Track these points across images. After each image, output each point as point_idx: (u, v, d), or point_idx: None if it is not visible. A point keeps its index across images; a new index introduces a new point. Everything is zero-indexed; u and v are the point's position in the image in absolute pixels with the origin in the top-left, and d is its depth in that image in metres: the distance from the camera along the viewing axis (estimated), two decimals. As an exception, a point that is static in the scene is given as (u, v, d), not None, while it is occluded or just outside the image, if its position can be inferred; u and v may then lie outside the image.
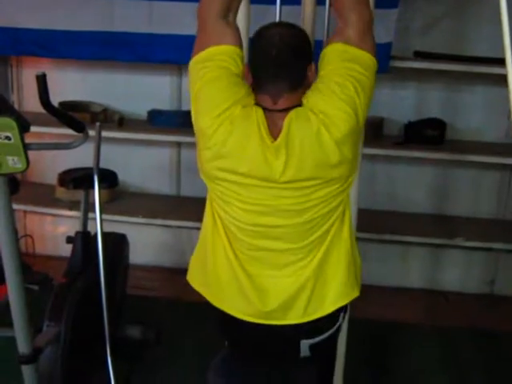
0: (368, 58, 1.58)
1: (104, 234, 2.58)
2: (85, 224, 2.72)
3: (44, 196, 3.62)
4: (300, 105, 1.53)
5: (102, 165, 2.55)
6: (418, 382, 2.82)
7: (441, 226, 3.42)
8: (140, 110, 3.55)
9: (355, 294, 1.71)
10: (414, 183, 3.52)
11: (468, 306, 3.45)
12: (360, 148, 1.62)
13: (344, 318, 1.75)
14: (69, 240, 2.70)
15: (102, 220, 2.54)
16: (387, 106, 3.38)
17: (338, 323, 1.72)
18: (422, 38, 3.30)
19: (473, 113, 3.40)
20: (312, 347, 1.67)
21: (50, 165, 3.58)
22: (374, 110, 3.23)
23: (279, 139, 1.49)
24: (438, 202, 3.54)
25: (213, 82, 1.55)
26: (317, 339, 1.67)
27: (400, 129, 3.37)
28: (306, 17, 2.00)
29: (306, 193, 1.54)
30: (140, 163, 3.70)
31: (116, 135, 3.35)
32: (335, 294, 1.66)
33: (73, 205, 3.41)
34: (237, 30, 1.64)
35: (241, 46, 1.62)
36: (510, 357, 2.97)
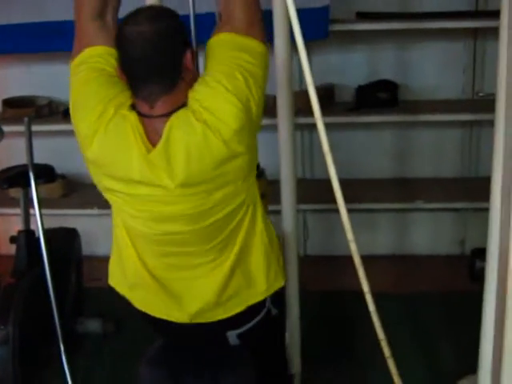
0: (256, 45, 1.50)
1: (52, 231, 2.56)
2: (27, 222, 2.67)
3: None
4: (184, 104, 1.45)
5: (50, 159, 2.49)
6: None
7: (403, 190, 3.32)
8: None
9: (279, 284, 1.70)
10: (371, 149, 3.41)
11: (439, 268, 3.39)
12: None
13: (274, 301, 1.74)
14: (12, 240, 2.67)
15: (42, 216, 2.49)
16: (337, 72, 3.28)
17: (265, 309, 1.71)
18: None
19: (426, 71, 3.27)
20: (240, 336, 1.68)
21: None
22: (323, 77, 3.20)
23: (158, 147, 1.43)
24: (398, 166, 3.44)
25: (88, 84, 1.51)
26: (244, 328, 1.68)
27: (352, 94, 3.27)
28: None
29: (199, 197, 1.48)
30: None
31: (61, 128, 3.26)
32: (257, 287, 1.65)
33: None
34: (113, 29, 1.58)
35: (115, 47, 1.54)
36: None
